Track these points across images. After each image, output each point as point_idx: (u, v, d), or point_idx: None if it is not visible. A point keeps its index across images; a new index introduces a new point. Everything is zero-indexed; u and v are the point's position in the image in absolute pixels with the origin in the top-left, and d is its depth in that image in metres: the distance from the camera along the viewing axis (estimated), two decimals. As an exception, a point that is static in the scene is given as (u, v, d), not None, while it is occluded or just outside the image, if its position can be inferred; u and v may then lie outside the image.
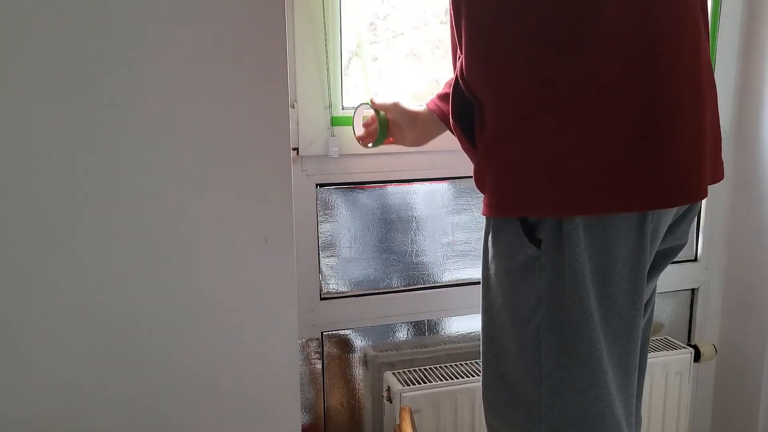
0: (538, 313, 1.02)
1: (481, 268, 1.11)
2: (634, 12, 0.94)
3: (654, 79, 0.95)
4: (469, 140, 1.10)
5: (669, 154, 0.96)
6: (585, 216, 0.97)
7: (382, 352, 1.63)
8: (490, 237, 1.08)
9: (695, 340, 1.88)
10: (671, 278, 1.86)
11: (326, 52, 1.40)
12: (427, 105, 1.31)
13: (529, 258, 1.01)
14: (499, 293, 1.07)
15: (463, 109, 1.09)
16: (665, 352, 1.70)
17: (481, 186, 1.08)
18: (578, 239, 0.97)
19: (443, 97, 1.28)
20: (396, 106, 1.33)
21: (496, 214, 1.05)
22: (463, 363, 1.64)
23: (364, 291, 1.58)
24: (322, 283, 1.55)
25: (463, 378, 1.56)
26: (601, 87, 0.94)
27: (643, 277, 1.02)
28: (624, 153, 0.94)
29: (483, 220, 1.10)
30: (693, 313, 1.91)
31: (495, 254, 1.07)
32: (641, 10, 0.94)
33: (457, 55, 1.09)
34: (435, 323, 1.66)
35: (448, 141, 1.31)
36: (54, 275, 1.11)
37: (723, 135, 1.77)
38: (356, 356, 1.63)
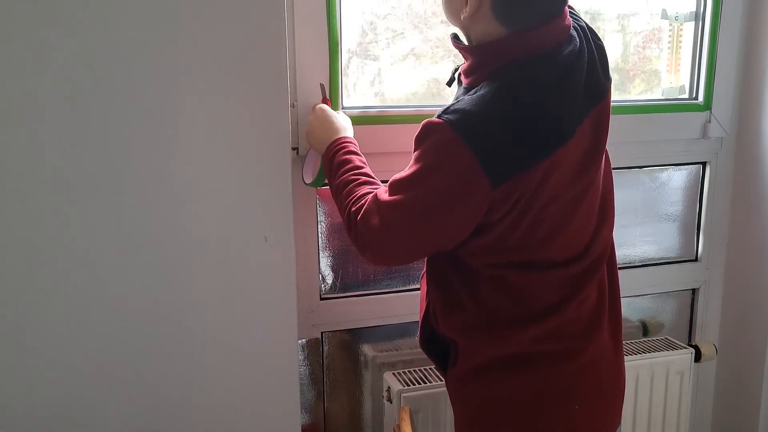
0: None
1: None
2: None
3: None
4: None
5: None
6: None
7: (382, 352, 1.63)
8: None
9: (696, 340, 1.88)
10: (672, 278, 1.85)
11: (326, 51, 1.40)
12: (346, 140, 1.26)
13: None
14: None
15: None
16: (666, 352, 1.70)
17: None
18: None
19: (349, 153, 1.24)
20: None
21: None
22: (463, 363, 1.64)
23: (364, 291, 1.58)
24: (322, 283, 1.55)
25: (463, 378, 1.55)
26: None
27: None
28: None
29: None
30: (694, 313, 1.91)
31: None
32: None
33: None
34: (435, 323, 1.66)
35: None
36: (53, 275, 1.11)
37: (724, 135, 1.77)
38: (356, 356, 1.63)
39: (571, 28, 1.09)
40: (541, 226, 1.06)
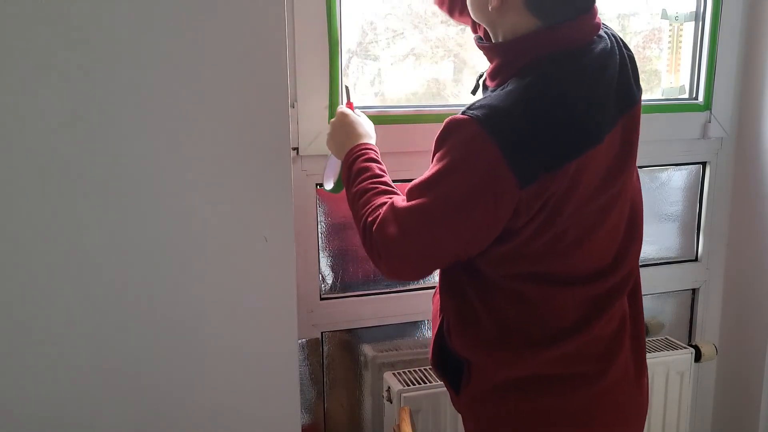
0: None
1: None
2: None
3: None
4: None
5: None
6: None
7: (382, 352, 1.63)
8: None
9: (696, 340, 1.88)
10: (672, 278, 1.85)
11: (326, 51, 1.40)
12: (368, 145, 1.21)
13: None
14: None
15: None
16: (666, 352, 1.70)
17: None
18: None
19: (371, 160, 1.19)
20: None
21: None
22: (463, 363, 1.64)
23: (364, 291, 1.58)
24: (322, 283, 1.55)
25: (463, 378, 1.55)
26: None
27: None
28: None
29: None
30: (694, 313, 1.91)
31: None
32: None
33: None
34: (435, 323, 1.66)
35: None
36: (52, 275, 1.11)
37: (724, 135, 1.77)
38: (356, 356, 1.63)
39: (601, 29, 1.05)
40: (566, 234, 1.01)
